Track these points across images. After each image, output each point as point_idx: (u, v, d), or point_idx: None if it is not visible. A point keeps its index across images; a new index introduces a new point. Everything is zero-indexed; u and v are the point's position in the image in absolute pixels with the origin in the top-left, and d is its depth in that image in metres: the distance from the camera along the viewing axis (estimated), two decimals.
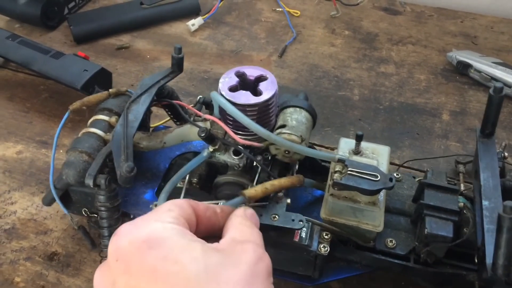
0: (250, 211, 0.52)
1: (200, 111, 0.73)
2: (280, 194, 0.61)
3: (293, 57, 1.17)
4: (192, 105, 0.75)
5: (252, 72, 0.68)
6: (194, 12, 1.29)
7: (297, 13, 1.30)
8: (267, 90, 0.66)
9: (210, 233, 0.47)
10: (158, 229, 0.43)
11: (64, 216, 0.84)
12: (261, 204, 0.60)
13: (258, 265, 0.43)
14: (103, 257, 0.70)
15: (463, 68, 1.11)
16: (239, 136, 0.66)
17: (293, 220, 0.59)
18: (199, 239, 0.44)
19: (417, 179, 0.73)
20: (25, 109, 1.05)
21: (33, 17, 1.23)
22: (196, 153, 0.72)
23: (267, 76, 0.68)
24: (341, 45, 1.21)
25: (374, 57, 1.17)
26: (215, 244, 0.45)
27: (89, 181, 0.64)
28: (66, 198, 0.75)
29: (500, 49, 1.19)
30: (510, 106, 1.05)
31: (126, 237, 0.43)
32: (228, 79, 0.67)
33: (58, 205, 0.82)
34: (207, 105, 0.76)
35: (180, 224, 0.45)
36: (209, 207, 0.50)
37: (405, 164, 0.90)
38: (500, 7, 1.31)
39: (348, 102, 1.06)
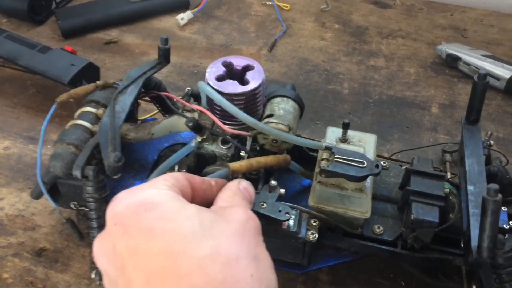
0: (244, 183, 0.54)
1: (188, 103, 0.73)
2: (274, 183, 0.61)
3: (283, 51, 1.17)
4: (181, 97, 0.75)
5: (239, 62, 0.69)
6: (183, 6, 1.28)
7: (287, 7, 1.30)
8: (254, 79, 0.66)
9: (205, 205, 0.49)
10: (153, 194, 0.45)
11: (52, 212, 0.83)
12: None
13: (248, 223, 0.46)
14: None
15: (452, 61, 1.11)
16: (227, 126, 0.66)
17: (280, 211, 0.59)
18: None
19: (403, 167, 0.73)
20: (12, 105, 1.04)
21: (20, 12, 1.22)
22: (184, 145, 0.72)
23: (254, 65, 0.68)
24: (331, 39, 1.21)
25: (364, 51, 1.18)
26: (207, 208, 0.47)
27: (77, 172, 0.64)
28: (54, 191, 0.74)
29: (489, 42, 1.20)
30: (499, 98, 1.05)
31: (123, 202, 0.45)
32: (215, 69, 0.67)
33: (46, 201, 0.81)
34: (196, 97, 0.76)
35: (175, 191, 0.47)
36: (205, 180, 0.52)
37: (393, 156, 0.90)
38: (489, 0, 1.32)
39: (337, 95, 1.06)
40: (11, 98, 1.06)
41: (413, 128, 0.99)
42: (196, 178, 0.51)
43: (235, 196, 0.51)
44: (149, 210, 0.43)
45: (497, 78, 1.04)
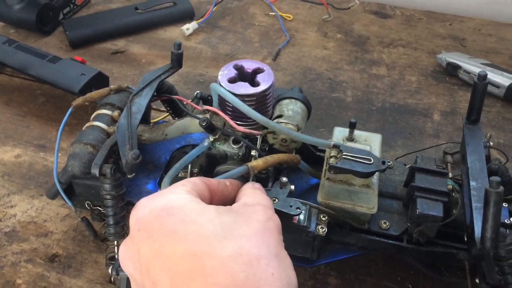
0: (257, 184, 0.56)
1: (197, 105, 0.76)
2: (285, 180, 0.63)
3: (287, 60, 1.20)
4: (190, 100, 0.77)
5: (249, 65, 0.71)
6: (188, 16, 1.31)
7: (290, 17, 1.33)
8: (264, 81, 0.69)
9: (223, 205, 0.50)
10: (174, 199, 0.47)
11: (64, 219, 0.85)
12: (266, 189, 0.63)
13: (268, 223, 0.47)
14: (109, 245, 0.72)
15: (452, 70, 1.13)
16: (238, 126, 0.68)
17: (291, 206, 0.61)
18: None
19: (407, 166, 0.75)
20: (22, 113, 1.06)
21: (29, 22, 1.24)
22: (195, 146, 0.74)
23: (264, 68, 0.70)
24: (333, 48, 1.24)
25: (366, 60, 1.20)
26: (228, 207, 0.49)
27: (95, 170, 0.66)
28: (69, 192, 0.76)
29: (488, 51, 1.22)
30: (498, 106, 1.07)
31: (145, 208, 0.47)
32: (227, 72, 0.69)
33: (58, 208, 0.84)
34: (204, 100, 0.78)
35: (193, 195, 0.48)
36: (220, 181, 0.54)
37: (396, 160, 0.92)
38: (487, 10, 1.35)
39: (341, 103, 1.08)
40: (21, 107, 1.08)
41: (415, 135, 1.01)
42: (213, 181, 0.53)
43: (255, 191, 0.53)
44: (171, 214, 0.45)
45: (496, 86, 1.06)
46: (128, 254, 0.47)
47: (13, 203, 0.88)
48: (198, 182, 0.51)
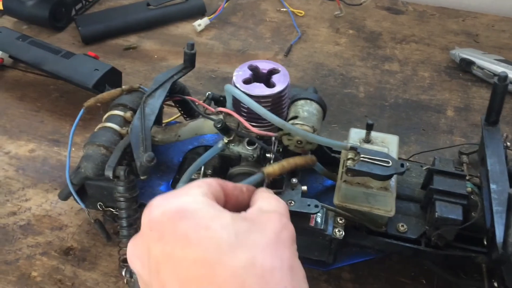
0: (271, 191, 0.54)
1: (209, 106, 0.75)
2: (295, 181, 0.63)
3: (299, 56, 1.19)
4: (202, 100, 0.77)
5: (264, 65, 0.70)
6: (200, 12, 1.31)
7: (301, 13, 1.32)
8: (280, 82, 0.68)
9: (237, 210, 0.49)
10: (189, 201, 0.45)
11: (79, 212, 0.85)
12: (277, 191, 0.62)
13: (282, 233, 0.46)
14: (122, 247, 0.72)
15: (466, 66, 1.12)
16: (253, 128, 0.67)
17: (308, 205, 0.61)
18: (227, 210, 0.46)
19: (425, 168, 0.74)
20: (36, 109, 1.06)
21: (41, 19, 1.24)
22: (207, 147, 0.74)
23: (279, 69, 0.70)
24: (345, 44, 1.23)
25: (378, 56, 1.19)
26: (243, 213, 0.47)
27: (109, 173, 0.66)
28: (81, 193, 0.76)
29: (501, 47, 1.21)
30: None
31: (159, 208, 0.45)
32: (241, 72, 0.69)
33: (72, 202, 0.83)
34: (216, 100, 0.78)
35: (209, 198, 0.47)
36: (237, 186, 0.52)
37: (411, 158, 0.91)
38: (500, 6, 1.33)
39: (354, 99, 1.07)
40: (34, 102, 1.08)
41: (429, 131, 1.00)
42: (229, 184, 0.51)
43: (271, 195, 0.52)
44: (185, 217, 0.44)
45: (510, 82, 1.05)
46: (137, 252, 0.46)
47: (28, 196, 0.89)
48: (213, 183, 0.50)
